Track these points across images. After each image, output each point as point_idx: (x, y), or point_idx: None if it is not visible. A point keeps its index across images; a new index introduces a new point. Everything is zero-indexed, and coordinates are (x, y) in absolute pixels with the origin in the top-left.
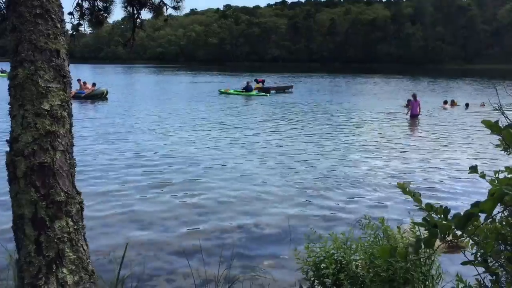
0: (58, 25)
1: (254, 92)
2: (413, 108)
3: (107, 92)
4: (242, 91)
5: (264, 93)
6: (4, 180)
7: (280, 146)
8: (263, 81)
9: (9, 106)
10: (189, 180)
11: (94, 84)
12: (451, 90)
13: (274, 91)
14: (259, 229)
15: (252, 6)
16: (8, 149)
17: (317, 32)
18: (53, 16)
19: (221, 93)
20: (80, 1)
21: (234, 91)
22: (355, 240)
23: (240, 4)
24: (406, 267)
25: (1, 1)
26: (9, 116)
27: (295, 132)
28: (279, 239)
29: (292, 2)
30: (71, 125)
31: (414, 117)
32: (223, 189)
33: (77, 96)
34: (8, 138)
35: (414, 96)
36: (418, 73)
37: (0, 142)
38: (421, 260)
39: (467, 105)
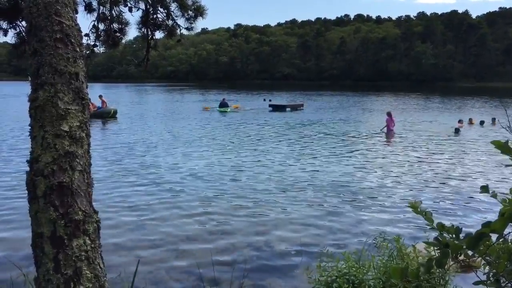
0: (77, 49)
1: (222, 109)
2: (388, 124)
3: (115, 112)
4: (220, 107)
5: (224, 109)
6: (20, 200)
7: (291, 164)
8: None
9: (30, 127)
10: (200, 197)
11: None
12: (464, 108)
13: (271, 109)
14: (271, 248)
15: (262, 25)
16: (28, 169)
17: (327, 51)
18: (73, 40)
19: (218, 110)
20: (96, 23)
21: (219, 108)
22: (368, 259)
23: (251, 23)
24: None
25: (22, 26)
26: (29, 137)
27: (306, 150)
28: (290, 257)
29: (302, 21)
30: (89, 145)
31: (389, 132)
32: (234, 207)
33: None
34: (28, 159)
35: (389, 113)
36: (429, 91)
37: (20, 162)
38: (435, 280)
39: (482, 122)
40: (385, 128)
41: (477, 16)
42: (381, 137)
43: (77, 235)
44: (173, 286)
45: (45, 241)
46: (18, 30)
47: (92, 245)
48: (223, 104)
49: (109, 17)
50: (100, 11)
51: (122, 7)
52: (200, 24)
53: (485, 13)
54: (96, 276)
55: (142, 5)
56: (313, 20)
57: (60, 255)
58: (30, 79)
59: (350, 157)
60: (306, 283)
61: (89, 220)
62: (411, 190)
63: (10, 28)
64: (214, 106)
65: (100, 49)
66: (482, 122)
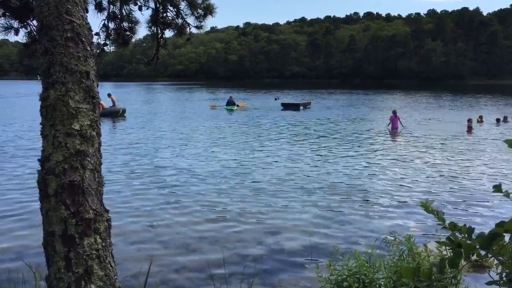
0: (88, 48)
1: (228, 107)
2: (393, 123)
3: (123, 111)
4: (227, 106)
5: (231, 107)
6: (31, 199)
7: (299, 163)
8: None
9: (41, 126)
10: (209, 198)
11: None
12: (476, 106)
13: (282, 107)
14: (280, 246)
15: (271, 23)
16: (39, 168)
17: (337, 49)
18: (83, 39)
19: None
20: (106, 22)
21: (226, 107)
22: (378, 258)
23: (260, 22)
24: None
25: (33, 25)
26: (40, 136)
27: (315, 149)
28: (300, 256)
29: (311, 19)
30: (99, 144)
31: (394, 130)
32: (244, 207)
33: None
34: (40, 157)
35: (394, 112)
36: (440, 89)
37: (31, 161)
38: (447, 280)
39: (498, 120)
40: (390, 125)
41: (488, 13)
42: (390, 136)
43: (88, 234)
44: (184, 285)
45: (56, 240)
46: (29, 29)
47: (103, 244)
48: (230, 102)
49: (119, 16)
50: (110, 10)
51: (132, 6)
52: (209, 23)
53: (496, 10)
54: (107, 275)
55: (152, 4)
56: (322, 18)
57: (71, 253)
58: (41, 78)
59: (360, 156)
60: (316, 282)
61: (100, 219)
62: (422, 189)
63: (21, 27)
64: (222, 104)
65: (110, 48)
66: (498, 120)
